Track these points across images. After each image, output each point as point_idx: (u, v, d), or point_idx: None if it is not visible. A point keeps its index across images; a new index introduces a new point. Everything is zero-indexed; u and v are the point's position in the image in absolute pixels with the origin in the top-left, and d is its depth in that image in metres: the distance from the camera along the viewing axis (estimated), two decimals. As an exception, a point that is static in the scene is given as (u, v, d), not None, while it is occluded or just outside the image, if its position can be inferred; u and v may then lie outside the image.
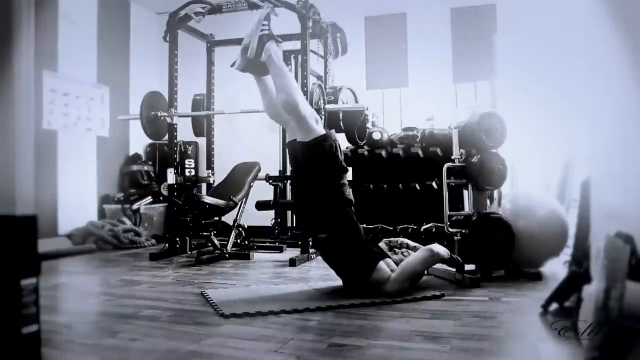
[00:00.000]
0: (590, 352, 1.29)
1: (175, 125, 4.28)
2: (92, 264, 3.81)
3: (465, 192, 3.33)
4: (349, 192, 2.61)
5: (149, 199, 5.37)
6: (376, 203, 4.39)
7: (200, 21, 4.20)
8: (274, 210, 4.61)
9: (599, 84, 1.70)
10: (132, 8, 5.98)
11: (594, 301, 1.34)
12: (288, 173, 4.36)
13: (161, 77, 5.32)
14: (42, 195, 4.60)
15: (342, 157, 2.61)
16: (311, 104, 3.67)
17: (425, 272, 2.84)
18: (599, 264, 1.42)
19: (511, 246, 2.90)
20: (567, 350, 1.67)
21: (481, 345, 1.73)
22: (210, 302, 2.37)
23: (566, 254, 2.86)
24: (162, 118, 4.24)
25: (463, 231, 2.91)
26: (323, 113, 3.80)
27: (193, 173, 4.57)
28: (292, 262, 3.60)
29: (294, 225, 4.91)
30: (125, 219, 5.08)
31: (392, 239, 2.88)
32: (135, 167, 5.60)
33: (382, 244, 2.82)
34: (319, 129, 2.57)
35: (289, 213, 4.93)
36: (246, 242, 4.30)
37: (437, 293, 2.51)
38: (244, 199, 4.22)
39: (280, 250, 4.33)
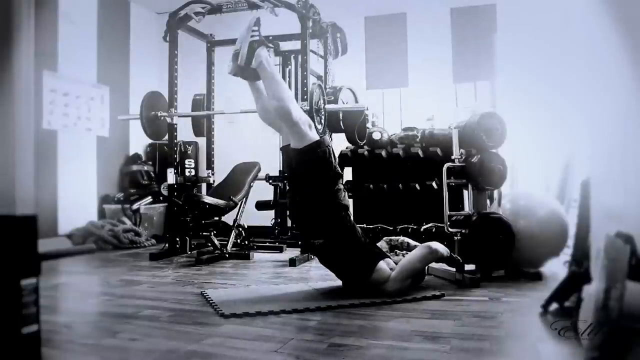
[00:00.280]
0: (590, 352, 1.29)
1: (175, 125, 4.28)
2: (92, 264, 3.82)
3: (465, 192, 3.33)
4: (344, 197, 2.60)
5: (149, 199, 5.37)
6: (376, 203, 4.40)
7: (200, 21, 4.20)
8: (274, 210, 4.61)
9: (599, 84, 1.70)
10: (132, 8, 5.98)
11: (594, 301, 1.34)
12: (288, 173, 4.36)
13: (161, 77, 5.32)
14: (42, 195, 4.60)
15: (336, 163, 2.59)
16: (311, 104, 3.67)
17: (426, 272, 2.84)
18: (599, 264, 1.42)
19: (511, 246, 2.90)
20: (567, 350, 1.67)
21: (481, 345, 1.73)
22: (210, 302, 2.37)
23: (566, 254, 2.86)
24: (162, 118, 4.24)
25: (463, 231, 2.91)
26: (323, 113, 3.80)
27: (193, 173, 4.56)
28: (292, 262, 3.60)
29: (294, 225, 4.91)
30: (125, 219, 5.08)
31: (392, 237, 2.88)
32: (135, 167, 5.60)
33: (382, 243, 2.83)
34: (313, 135, 2.54)
35: (288, 213, 4.93)
36: (246, 242, 4.30)
37: (437, 293, 2.51)
38: (244, 199, 4.22)
39: (280, 250, 4.33)
